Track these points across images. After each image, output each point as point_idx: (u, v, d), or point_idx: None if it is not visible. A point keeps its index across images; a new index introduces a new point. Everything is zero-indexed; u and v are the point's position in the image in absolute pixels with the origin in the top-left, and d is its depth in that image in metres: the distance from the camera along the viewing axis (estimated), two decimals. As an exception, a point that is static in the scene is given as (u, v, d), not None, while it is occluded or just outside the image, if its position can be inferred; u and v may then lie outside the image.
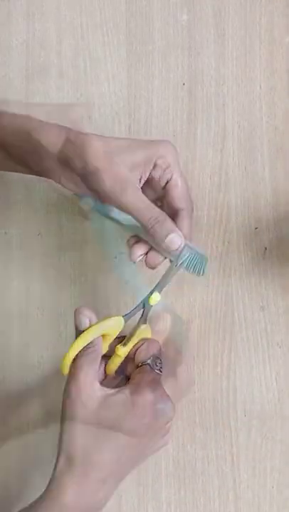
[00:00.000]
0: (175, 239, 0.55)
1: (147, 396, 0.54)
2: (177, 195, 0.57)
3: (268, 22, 0.67)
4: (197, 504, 0.64)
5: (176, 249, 0.55)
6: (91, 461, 0.53)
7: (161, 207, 0.57)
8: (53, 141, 0.54)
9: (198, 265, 0.57)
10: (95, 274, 0.66)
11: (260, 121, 0.66)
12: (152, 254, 0.57)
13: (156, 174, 0.56)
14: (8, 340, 0.66)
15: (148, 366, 0.56)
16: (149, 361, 0.57)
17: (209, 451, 0.64)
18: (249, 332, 0.65)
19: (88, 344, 0.55)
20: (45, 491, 0.53)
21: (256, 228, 0.65)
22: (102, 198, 0.55)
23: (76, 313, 0.56)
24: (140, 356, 0.58)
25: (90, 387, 0.54)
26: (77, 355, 0.55)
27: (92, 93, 0.68)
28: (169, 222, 0.55)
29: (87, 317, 0.56)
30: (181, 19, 0.67)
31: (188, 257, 0.56)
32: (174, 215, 0.57)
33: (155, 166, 0.56)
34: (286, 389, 0.64)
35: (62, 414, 0.54)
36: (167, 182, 0.57)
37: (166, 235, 0.54)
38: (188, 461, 0.64)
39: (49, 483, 0.53)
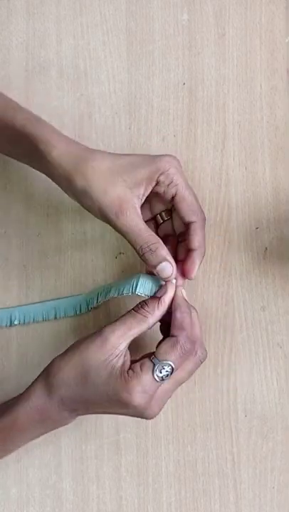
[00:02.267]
0: (166, 268, 0.55)
1: (133, 400, 0.53)
2: (186, 208, 0.57)
3: (269, 22, 0.67)
4: (198, 504, 0.64)
5: (168, 277, 0.56)
6: (63, 394, 0.55)
7: (170, 219, 0.59)
8: (58, 159, 0.55)
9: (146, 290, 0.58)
10: (95, 274, 0.66)
11: (260, 121, 0.66)
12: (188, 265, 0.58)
13: (161, 190, 0.57)
14: (8, 340, 0.66)
15: (151, 367, 0.54)
16: (157, 364, 0.54)
17: (210, 452, 0.64)
18: (250, 332, 0.65)
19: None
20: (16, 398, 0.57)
21: (257, 228, 0.65)
22: (98, 217, 0.56)
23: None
24: (158, 351, 0.55)
25: (117, 349, 0.54)
26: (137, 306, 0.56)
27: (92, 93, 0.67)
28: (160, 250, 0.55)
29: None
30: (181, 19, 0.67)
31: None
32: (185, 227, 0.58)
33: (158, 182, 0.56)
34: (287, 389, 0.64)
35: (77, 342, 0.55)
36: (173, 197, 0.57)
37: (158, 263, 0.55)
38: (189, 461, 0.64)
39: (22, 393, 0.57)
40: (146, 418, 0.55)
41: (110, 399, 0.54)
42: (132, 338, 0.55)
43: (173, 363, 0.54)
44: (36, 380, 0.57)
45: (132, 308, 0.56)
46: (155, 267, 0.55)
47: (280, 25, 0.67)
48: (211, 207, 0.66)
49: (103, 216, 0.55)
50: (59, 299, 0.65)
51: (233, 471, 0.64)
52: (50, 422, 0.57)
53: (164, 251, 0.56)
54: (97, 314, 0.66)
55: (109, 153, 0.57)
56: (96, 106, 0.67)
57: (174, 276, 0.56)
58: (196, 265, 0.57)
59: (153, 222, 0.61)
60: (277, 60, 0.67)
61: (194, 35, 0.67)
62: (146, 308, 0.55)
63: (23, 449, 0.64)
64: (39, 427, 0.57)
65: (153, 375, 0.53)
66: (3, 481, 0.65)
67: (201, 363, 0.57)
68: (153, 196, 0.58)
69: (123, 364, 0.54)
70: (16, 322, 0.65)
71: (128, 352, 0.55)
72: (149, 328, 0.56)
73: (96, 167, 0.55)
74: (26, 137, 0.56)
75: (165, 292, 0.56)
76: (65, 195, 0.58)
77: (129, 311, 0.56)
